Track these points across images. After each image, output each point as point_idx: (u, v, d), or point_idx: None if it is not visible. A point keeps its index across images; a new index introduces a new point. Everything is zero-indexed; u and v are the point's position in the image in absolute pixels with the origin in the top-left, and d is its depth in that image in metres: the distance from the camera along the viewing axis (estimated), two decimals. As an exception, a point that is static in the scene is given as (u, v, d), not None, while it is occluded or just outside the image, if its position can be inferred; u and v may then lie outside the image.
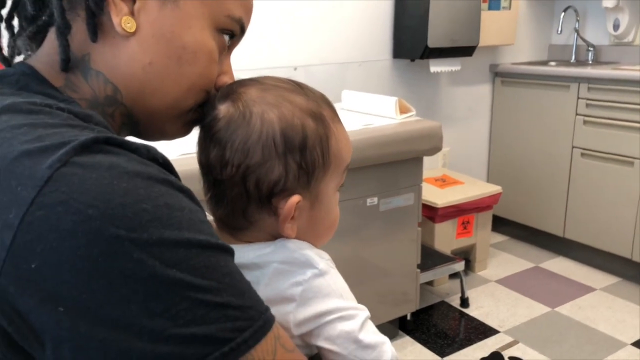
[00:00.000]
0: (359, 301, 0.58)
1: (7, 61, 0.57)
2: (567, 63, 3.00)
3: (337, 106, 0.63)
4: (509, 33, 2.87)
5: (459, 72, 2.82)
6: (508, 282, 2.60)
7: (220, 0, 0.55)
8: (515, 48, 3.06)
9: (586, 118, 2.60)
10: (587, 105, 2.59)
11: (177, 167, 0.49)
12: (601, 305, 2.38)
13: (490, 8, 2.75)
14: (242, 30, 0.58)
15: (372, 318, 0.58)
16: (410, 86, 2.72)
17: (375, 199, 1.87)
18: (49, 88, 0.51)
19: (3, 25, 0.57)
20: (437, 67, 2.60)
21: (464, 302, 2.39)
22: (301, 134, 0.56)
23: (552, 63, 3.01)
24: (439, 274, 2.31)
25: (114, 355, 0.39)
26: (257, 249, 0.58)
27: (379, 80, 2.60)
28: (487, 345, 2.10)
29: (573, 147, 2.68)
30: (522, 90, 2.89)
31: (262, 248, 0.58)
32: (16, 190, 0.39)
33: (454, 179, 2.69)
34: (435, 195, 2.45)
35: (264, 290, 0.51)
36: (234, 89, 0.58)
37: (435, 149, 1.93)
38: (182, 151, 1.26)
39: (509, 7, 2.82)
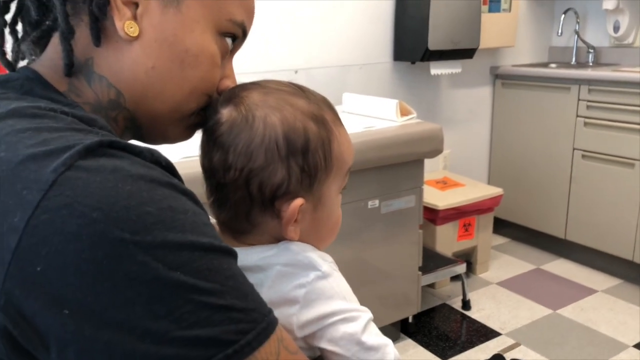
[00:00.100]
0: (361, 304, 0.58)
1: (11, 66, 0.58)
2: (567, 65, 3.01)
3: (338, 109, 0.63)
4: (509, 35, 2.88)
5: (460, 75, 2.83)
6: (509, 284, 2.59)
7: (222, 4, 0.55)
8: (515, 50, 3.07)
9: (587, 120, 2.61)
10: (588, 107, 2.59)
11: (180, 171, 0.49)
12: (603, 307, 2.38)
13: (490, 10, 2.76)
14: (244, 34, 0.59)
15: (374, 321, 0.58)
16: (411, 89, 2.72)
17: (377, 202, 1.87)
18: (53, 92, 0.51)
19: (7, 30, 0.57)
20: (437, 69, 2.60)
21: (466, 304, 2.39)
22: (303, 137, 0.56)
23: (553, 65, 3.01)
24: (440, 276, 2.31)
25: (118, 358, 0.39)
26: (260, 251, 0.58)
27: (379, 83, 2.61)
28: (489, 348, 2.10)
29: (574, 149, 2.68)
30: (523, 92, 2.90)
31: (265, 251, 0.58)
32: (21, 194, 0.39)
33: (455, 181, 2.69)
34: (437, 198, 2.45)
35: (267, 293, 0.52)
36: (237, 93, 0.58)
37: (436, 152, 1.93)
38: (184, 154, 1.27)
39: (509, 9, 2.83)
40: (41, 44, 0.55)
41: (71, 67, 0.52)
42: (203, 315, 0.41)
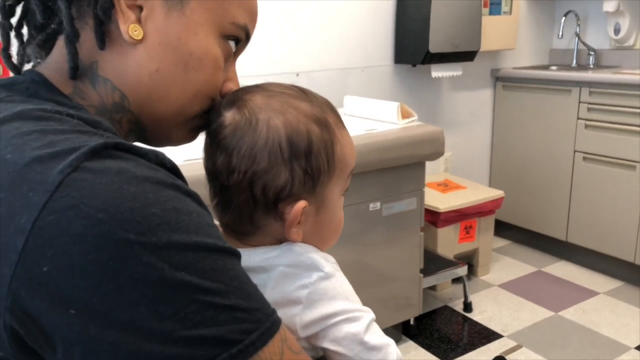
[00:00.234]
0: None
1: (17, 69, 0.58)
2: (568, 67, 3.01)
3: (340, 112, 0.64)
4: (510, 38, 2.88)
5: (461, 77, 2.83)
6: (511, 286, 2.59)
7: (225, 7, 0.55)
8: (516, 53, 3.07)
9: (588, 122, 2.61)
10: (589, 109, 2.60)
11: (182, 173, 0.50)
12: (604, 309, 2.38)
13: (491, 13, 2.76)
14: (247, 37, 0.59)
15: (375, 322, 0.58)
16: (412, 91, 2.73)
17: (378, 204, 1.88)
18: (58, 95, 0.52)
19: (13, 33, 0.57)
20: (438, 72, 2.61)
21: (467, 306, 2.39)
22: (306, 140, 0.57)
23: (554, 67, 3.02)
24: (441, 278, 2.31)
25: (123, 358, 0.39)
26: (263, 252, 0.58)
27: (380, 86, 2.61)
28: (491, 350, 2.10)
29: (575, 151, 2.68)
30: (524, 95, 2.90)
31: (269, 251, 0.58)
32: (28, 196, 0.40)
33: (456, 183, 2.70)
34: (438, 200, 2.45)
35: (270, 293, 0.52)
36: (240, 96, 0.59)
37: (437, 154, 1.94)
38: (186, 157, 1.27)
39: (510, 12, 2.84)
40: (46, 47, 0.55)
41: (76, 70, 0.52)
42: (208, 315, 0.41)
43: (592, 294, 2.51)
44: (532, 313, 2.35)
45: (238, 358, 0.42)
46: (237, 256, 0.47)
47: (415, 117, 1.99)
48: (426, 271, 2.14)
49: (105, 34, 0.52)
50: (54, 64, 0.54)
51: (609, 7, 2.79)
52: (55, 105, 0.49)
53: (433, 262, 2.30)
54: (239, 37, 0.58)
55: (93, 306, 0.39)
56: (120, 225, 0.39)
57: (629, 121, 2.45)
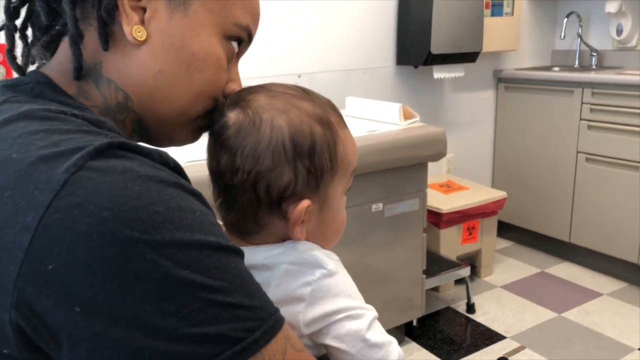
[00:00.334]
0: (365, 306, 0.59)
1: (22, 70, 0.59)
2: (570, 68, 3.01)
3: (342, 113, 0.64)
4: (512, 39, 2.88)
5: (463, 78, 2.83)
6: (514, 287, 2.59)
7: (228, 8, 0.56)
8: (518, 54, 3.07)
9: (590, 123, 2.61)
10: (591, 110, 2.59)
11: (185, 174, 0.50)
12: (608, 310, 2.37)
13: (493, 14, 2.76)
14: (250, 38, 0.60)
15: (377, 323, 0.58)
16: (414, 93, 2.73)
17: (380, 205, 1.88)
18: (62, 96, 0.52)
19: (17, 34, 0.58)
20: (440, 73, 2.61)
21: (470, 307, 2.38)
22: (310, 140, 0.57)
23: (556, 68, 3.01)
24: (444, 279, 2.31)
25: (127, 355, 0.40)
26: (266, 250, 0.59)
27: (382, 87, 2.62)
28: (494, 351, 2.10)
29: (578, 152, 2.68)
30: (526, 96, 2.90)
31: (272, 249, 0.59)
32: (33, 194, 0.40)
33: (458, 184, 2.70)
34: (440, 201, 2.45)
35: (273, 291, 0.52)
36: (243, 96, 0.59)
37: (439, 155, 1.94)
38: (189, 158, 1.28)
39: (512, 13, 2.84)
40: (51, 48, 0.56)
41: (80, 71, 0.53)
42: (211, 312, 0.41)
43: (595, 295, 2.51)
44: (535, 314, 2.35)
45: (241, 356, 0.42)
46: (240, 255, 0.47)
47: (418, 118, 2.00)
48: (429, 272, 2.14)
49: (109, 35, 0.52)
50: (58, 65, 0.54)
51: (611, 8, 2.79)
52: (60, 105, 0.49)
53: (436, 263, 2.30)
54: (242, 38, 0.58)
55: (98, 303, 0.39)
56: (124, 223, 0.40)
57: (631, 122, 2.44)
